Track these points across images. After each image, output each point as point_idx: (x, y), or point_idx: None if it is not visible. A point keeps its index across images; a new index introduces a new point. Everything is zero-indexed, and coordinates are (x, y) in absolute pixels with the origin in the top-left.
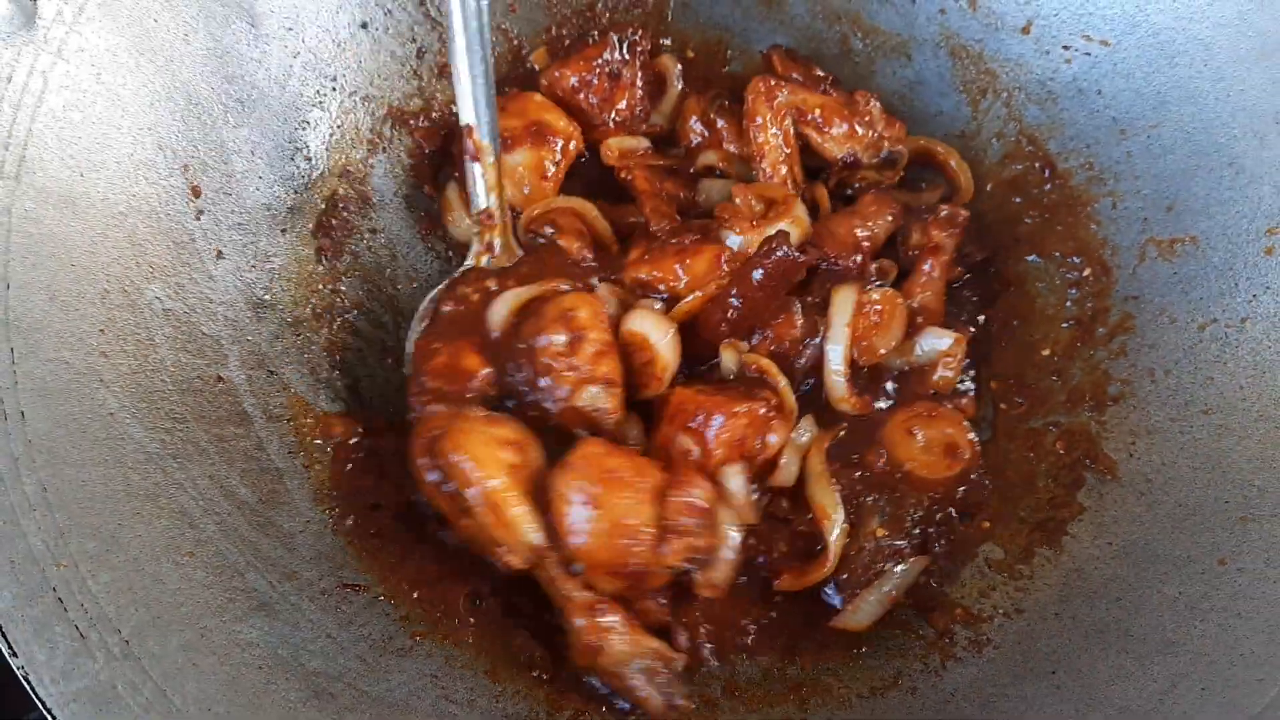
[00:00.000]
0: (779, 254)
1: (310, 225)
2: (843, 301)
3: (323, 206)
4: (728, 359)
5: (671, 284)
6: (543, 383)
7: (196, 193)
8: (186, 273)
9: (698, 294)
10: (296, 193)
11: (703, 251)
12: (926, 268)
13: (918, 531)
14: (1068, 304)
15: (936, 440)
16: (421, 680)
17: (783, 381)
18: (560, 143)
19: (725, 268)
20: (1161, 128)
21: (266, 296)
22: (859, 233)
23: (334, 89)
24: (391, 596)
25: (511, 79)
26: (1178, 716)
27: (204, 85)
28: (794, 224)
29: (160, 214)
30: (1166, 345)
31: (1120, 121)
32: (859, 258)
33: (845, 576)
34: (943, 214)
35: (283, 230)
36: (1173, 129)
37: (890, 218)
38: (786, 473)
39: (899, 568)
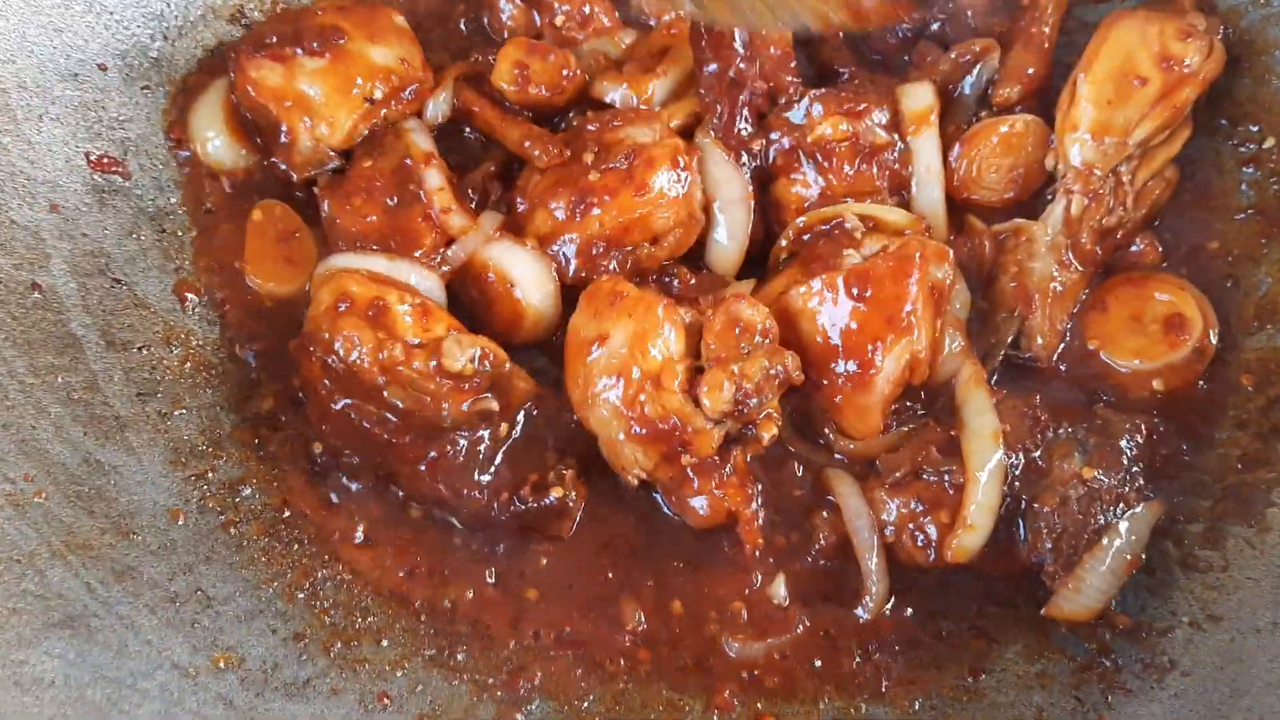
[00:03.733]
0: None
1: (182, 83)
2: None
3: (201, 56)
4: None
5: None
6: None
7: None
8: None
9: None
10: (165, 38)
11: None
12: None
13: (1138, 468)
14: (1243, 187)
15: (1147, 313)
16: None
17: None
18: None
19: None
20: None
21: (115, 177)
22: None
23: None
24: (281, 601)
25: None
26: None
27: None
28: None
29: None
30: None
31: None
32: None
33: (1050, 545)
34: None
35: (144, 88)
36: None
37: (856, 117)
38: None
39: (1127, 517)
